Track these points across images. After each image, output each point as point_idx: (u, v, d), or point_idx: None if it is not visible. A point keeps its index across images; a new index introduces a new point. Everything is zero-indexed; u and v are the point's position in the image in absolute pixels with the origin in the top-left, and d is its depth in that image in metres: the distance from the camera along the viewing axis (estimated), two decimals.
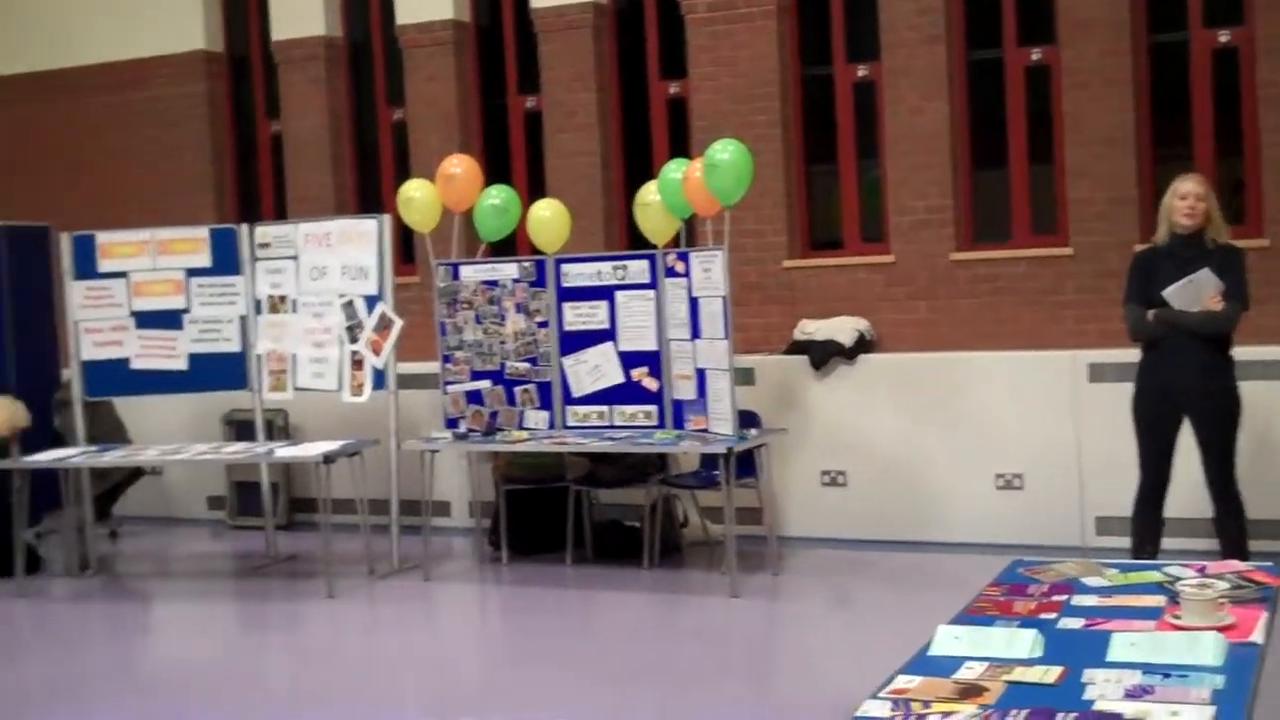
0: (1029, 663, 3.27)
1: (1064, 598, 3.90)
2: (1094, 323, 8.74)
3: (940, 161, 9.24)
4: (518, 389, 8.72)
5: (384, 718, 6.13)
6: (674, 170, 8.37)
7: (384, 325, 8.77)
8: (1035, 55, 9.19)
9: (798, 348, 9.14)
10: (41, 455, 8.80)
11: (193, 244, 9.23)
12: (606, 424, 8.53)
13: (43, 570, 9.03)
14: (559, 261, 8.73)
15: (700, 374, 8.10)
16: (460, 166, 9.08)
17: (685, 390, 8.25)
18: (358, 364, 8.85)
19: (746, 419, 8.24)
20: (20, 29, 12.18)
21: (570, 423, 8.62)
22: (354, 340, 8.86)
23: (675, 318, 8.28)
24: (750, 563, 8.18)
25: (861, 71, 9.62)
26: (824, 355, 8.90)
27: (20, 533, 8.57)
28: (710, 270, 7.96)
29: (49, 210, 10.73)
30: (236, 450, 8.96)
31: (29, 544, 8.81)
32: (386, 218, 8.97)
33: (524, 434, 8.61)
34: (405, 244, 10.21)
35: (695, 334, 8.11)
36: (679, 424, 8.32)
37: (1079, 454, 8.27)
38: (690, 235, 8.76)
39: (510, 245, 9.68)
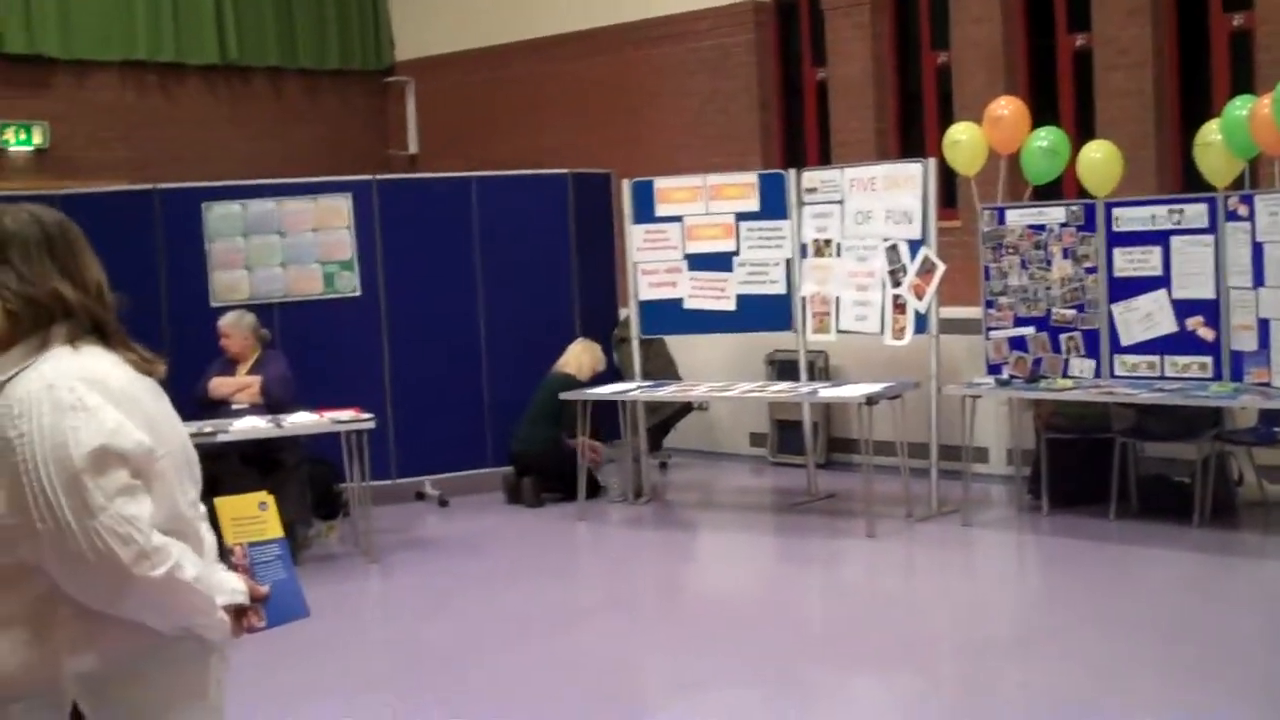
0: None
1: None
2: None
3: None
4: (1063, 336, 8.54)
5: (921, 659, 6.21)
6: (1239, 107, 7.92)
7: (927, 269, 8.79)
8: None
9: None
10: (604, 389, 9.42)
11: (743, 189, 9.55)
12: (1157, 374, 8.22)
13: (601, 496, 9.66)
14: (1109, 205, 8.45)
15: (1263, 324, 7.66)
16: (1007, 108, 8.95)
17: (1245, 341, 7.82)
18: (900, 308, 8.92)
19: None
20: None
21: (1118, 372, 8.37)
22: (897, 284, 8.93)
23: (1236, 264, 7.85)
24: None
25: None
26: None
27: (581, 463, 9.21)
28: (1278, 214, 7.49)
29: (611, 157, 11.40)
30: (781, 389, 9.25)
31: (589, 470, 9.45)
32: (931, 161, 8.96)
33: (1068, 382, 8.42)
34: (947, 188, 10.15)
35: (1259, 282, 7.67)
36: (1237, 376, 7.90)
37: None
38: (1253, 177, 8.26)
39: (1057, 188, 9.46)
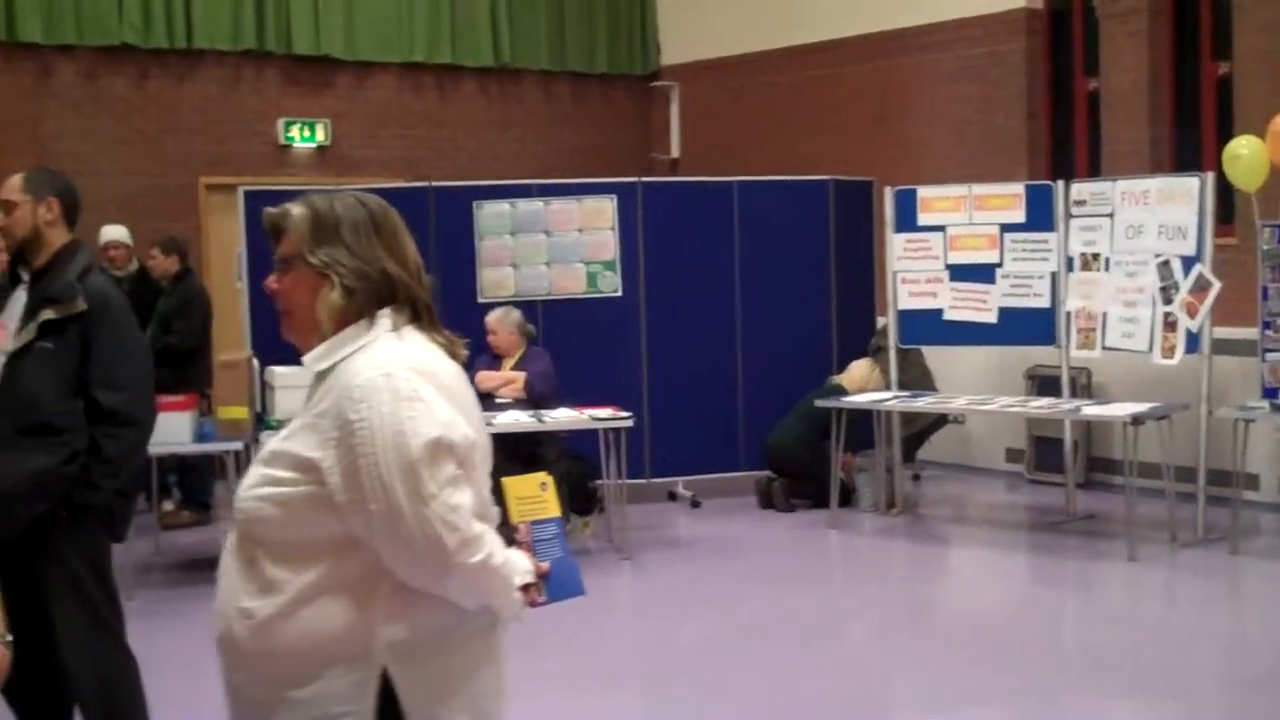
0: None
1: None
2: None
3: None
4: None
5: (1180, 691, 6.02)
6: None
7: (1201, 287, 8.48)
8: None
9: None
10: (859, 397, 9.38)
11: (1009, 200, 9.40)
12: None
13: (853, 504, 9.62)
14: None
15: None
16: None
17: None
18: (1170, 326, 8.64)
19: None
20: None
21: None
22: (1168, 301, 8.65)
23: None
24: None
25: None
26: None
27: (834, 471, 9.18)
28: None
29: (873, 164, 11.33)
30: (1042, 405, 9.06)
31: (841, 479, 9.40)
32: (1208, 176, 8.65)
33: None
34: (1224, 203, 9.78)
35: None
36: None
37: None
38: None
39: None
